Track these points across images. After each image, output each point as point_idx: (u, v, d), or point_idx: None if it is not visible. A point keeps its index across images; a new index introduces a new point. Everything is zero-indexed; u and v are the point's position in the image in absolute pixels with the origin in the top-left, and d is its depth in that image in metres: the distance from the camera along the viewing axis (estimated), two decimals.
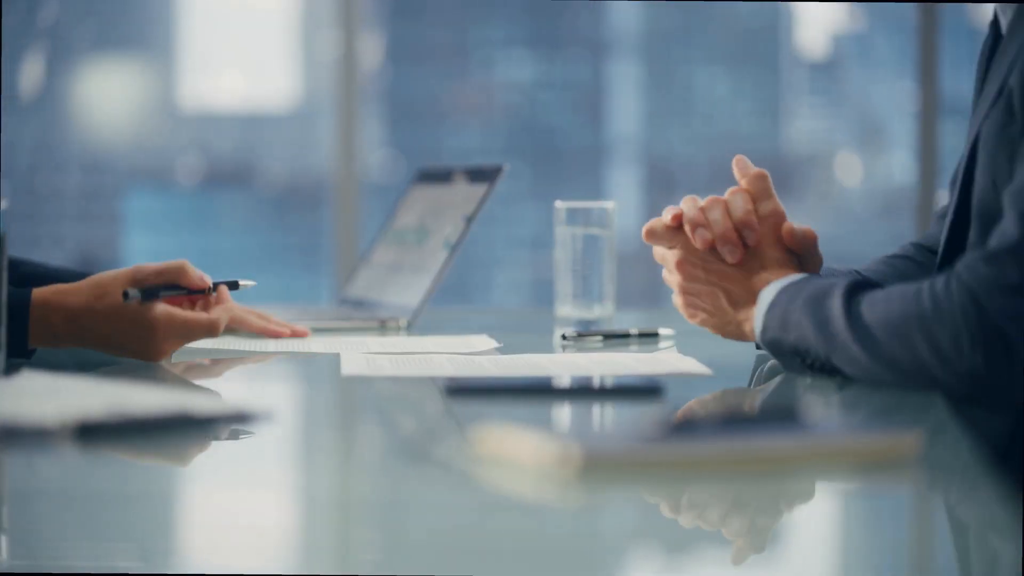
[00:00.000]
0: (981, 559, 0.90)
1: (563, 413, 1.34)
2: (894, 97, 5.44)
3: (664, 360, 1.62)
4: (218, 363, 1.67)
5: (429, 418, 1.35)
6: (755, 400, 1.45)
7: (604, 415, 1.32)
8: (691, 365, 1.57)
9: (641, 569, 0.87)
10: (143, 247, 5.49)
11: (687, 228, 1.61)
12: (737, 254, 1.58)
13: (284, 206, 5.53)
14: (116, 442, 1.12)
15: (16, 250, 1.95)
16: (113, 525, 0.92)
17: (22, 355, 1.56)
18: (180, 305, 1.63)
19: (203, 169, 5.52)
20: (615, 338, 1.88)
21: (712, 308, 1.59)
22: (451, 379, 1.43)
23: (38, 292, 1.57)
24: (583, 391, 1.40)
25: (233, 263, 5.52)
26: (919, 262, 1.72)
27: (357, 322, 2.02)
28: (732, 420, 1.10)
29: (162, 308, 1.58)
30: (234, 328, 1.84)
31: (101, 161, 5.38)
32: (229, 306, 1.67)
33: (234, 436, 1.18)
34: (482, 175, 2.12)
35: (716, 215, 1.60)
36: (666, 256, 1.63)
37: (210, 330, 1.62)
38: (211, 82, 5.48)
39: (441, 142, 5.57)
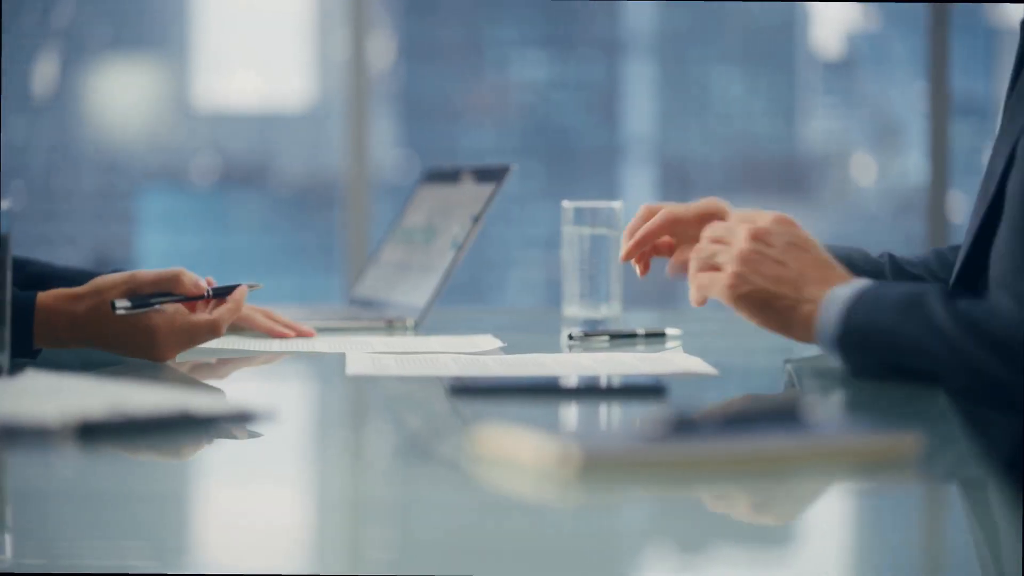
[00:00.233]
0: (981, 559, 0.90)
1: (566, 413, 1.34)
2: (909, 97, 5.42)
3: (670, 360, 1.62)
4: (223, 363, 1.68)
5: (432, 418, 1.35)
6: (756, 400, 1.44)
7: (607, 415, 1.32)
8: (697, 365, 1.57)
9: (642, 569, 0.87)
10: (158, 247, 5.50)
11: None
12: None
13: (298, 206, 5.54)
14: (118, 442, 1.12)
15: (31, 250, 1.96)
16: (118, 524, 0.92)
17: (28, 355, 1.57)
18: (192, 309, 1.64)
19: (218, 169, 5.53)
20: (621, 338, 1.88)
21: (774, 277, 1.47)
22: (455, 379, 1.43)
23: (42, 297, 1.57)
24: (586, 391, 1.40)
25: (247, 263, 5.53)
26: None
27: (364, 322, 2.02)
28: (732, 420, 1.10)
29: (161, 315, 1.59)
30: (240, 327, 1.85)
31: (116, 161, 5.39)
32: (233, 307, 1.67)
33: (236, 436, 1.19)
34: (489, 175, 2.12)
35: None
36: (739, 228, 1.50)
37: (212, 330, 1.62)
38: (226, 82, 5.49)
39: (455, 142, 5.57)
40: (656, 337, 1.88)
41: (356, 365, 1.57)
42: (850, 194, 5.66)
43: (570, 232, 2.08)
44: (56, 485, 1.02)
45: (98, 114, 5.32)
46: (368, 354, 1.67)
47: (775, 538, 0.93)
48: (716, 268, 1.50)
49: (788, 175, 5.67)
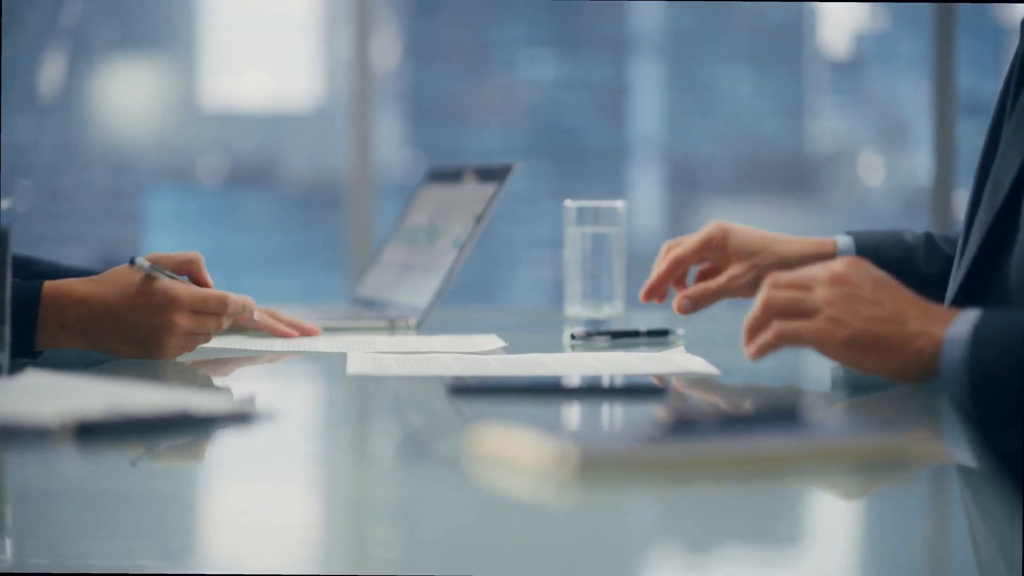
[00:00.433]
0: (981, 559, 0.89)
1: (565, 413, 1.33)
2: (917, 97, 5.41)
3: (671, 360, 1.62)
4: (224, 362, 1.67)
5: (431, 417, 1.35)
6: (755, 400, 1.44)
7: (606, 415, 1.32)
8: (698, 365, 1.56)
9: (642, 569, 0.87)
10: (165, 246, 5.49)
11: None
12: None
13: (306, 206, 5.54)
14: (116, 441, 1.12)
15: (39, 250, 1.96)
16: (122, 524, 0.92)
17: (28, 355, 1.57)
18: None
19: (225, 169, 5.53)
20: (623, 337, 1.88)
21: (872, 318, 1.36)
22: (455, 378, 1.42)
23: (50, 282, 1.58)
24: (586, 391, 1.40)
25: (254, 262, 5.53)
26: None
27: (367, 321, 2.02)
28: (731, 420, 1.10)
29: (174, 282, 1.60)
30: (243, 327, 1.84)
31: (123, 160, 5.39)
32: (244, 300, 1.68)
33: (237, 435, 1.18)
34: (492, 174, 2.11)
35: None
36: (815, 273, 1.40)
37: (221, 304, 1.63)
38: (233, 82, 5.49)
39: (463, 141, 5.57)
40: (658, 336, 1.88)
41: (357, 365, 1.57)
42: (858, 194, 5.65)
43: (573, 232, 2.08)
44: (59, 485, 1.02)
45: (105, 114, 5.32)
46: (369, 354, 1.67)
47: (774, 538, 0.93)
48: (796, 316, 1.38)
49: (796, 175, 5.66)
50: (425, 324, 2.03)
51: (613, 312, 2.07)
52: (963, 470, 1.11)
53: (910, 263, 1.80)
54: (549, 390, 1.39)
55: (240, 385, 1.57)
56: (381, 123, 5.28)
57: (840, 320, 1.36)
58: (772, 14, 5.56)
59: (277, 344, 1.79)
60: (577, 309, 2.07)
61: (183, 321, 1.60)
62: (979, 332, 1.31)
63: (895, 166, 5.67)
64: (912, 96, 5.48)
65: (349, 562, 0.86)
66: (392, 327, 2.01)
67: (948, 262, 1.77)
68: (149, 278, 1.59)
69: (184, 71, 5.51)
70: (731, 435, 1.04)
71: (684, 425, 1.05)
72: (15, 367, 1.37)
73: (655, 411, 1.30)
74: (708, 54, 5.64)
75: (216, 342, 1.73)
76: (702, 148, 5.65)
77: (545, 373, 1.53)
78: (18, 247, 1.88)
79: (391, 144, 5.42)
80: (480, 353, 1.68)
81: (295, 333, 1.85)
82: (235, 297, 1.65)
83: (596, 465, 1.00)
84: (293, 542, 0.90)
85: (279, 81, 5.54)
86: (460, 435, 1.18)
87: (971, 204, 1.54)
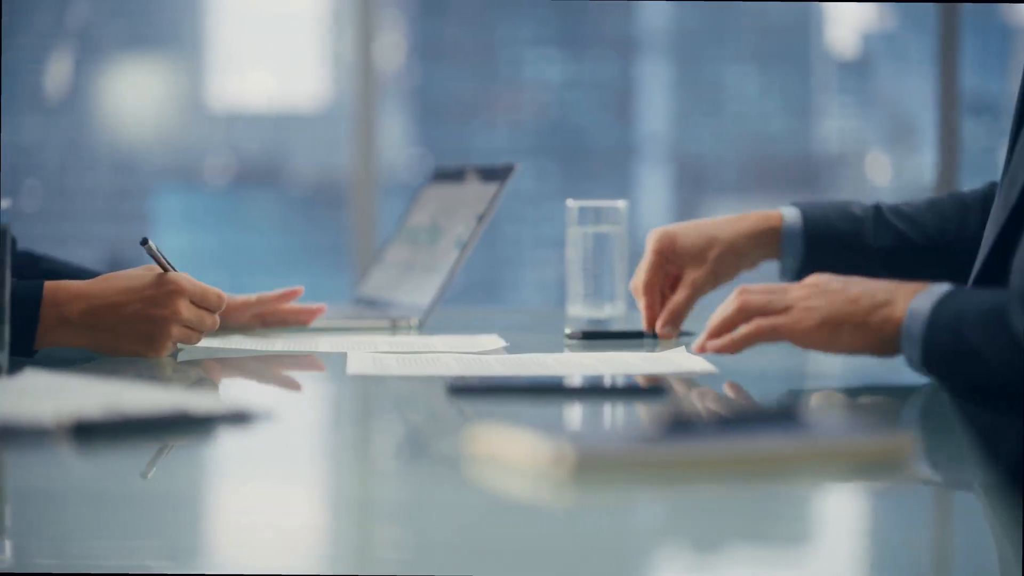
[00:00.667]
0: (981, 560, 0.89)
1: (564, 413, 1.33)
2: (924, 96, 5.41)
3: (670, 359, 1.62)
4: (223, 362, 1.68)
5: (430, 417, 1.34)
6: (752, 400, 1.44)
7: (605, 415, 1.32)
8: (697, 364, 1.56)
9: (641, 569, 0.87)
10: (172, 246, 5.50)
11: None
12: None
13: (312, 205, 5.54)
14: (115, 441, 1.12)
15: (46, 248, 1.97)
16: (125, 524, 0.92)
17: (25, 354, 1.57)
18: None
19: (232, 168, 5.53)
20: (620, 337, 1.88)
21: (842, 299, 1.43)
22: (455, 378, 1.42)
23: (51, 281, 1.59)
24: (585, 391, 1.40)
25: (261, 262, 5.54)
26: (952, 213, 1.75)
27: (369, 321, 2.02)
28: (728, 420, 1.10)
29: (176, 273, 1.63)
30: (246, 326, 1.85)
31: (130, 160, 5.40)
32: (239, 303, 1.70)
33: (236, 435, 1.18)
34: (494, 174, 2.11)
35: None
36: (785, 284, 1.49)
37: (218, 300, 1.64)
38: (240, 82, 5.50)
39: (470, 141, 5.57)
40: (655, 337, 1.88)
41: (357, 365, 1.57)
42: (865, 193, 5.64)
43: (574, 231, 2.08)
44: (60, 484, 1.02)
45: (112, 114, 5.33)
46: (369, 354, 1.67)
47: (772, 538, 0.92)
48: (770, 315, 1.45)
49: (803, 174, 5.65)
50: (427, 324, 2.03)
51: (615, 312, 2.06)
52: (962, 470, 1.11)
53: (858, 236, 1.80)
54: (549, 390, 1.39)
55: (240, 385, 1.58)
56: (388, 123, 5.29)
57: (811, 307, 1.42)
58: (779, 14, 5.56)
59: (277, 344, 1.79)
60: (579, 309, 2.06)
61: (186, 311, 1.61)
62: (937, 310, 1.36)
63: (902, 166, 5.66)
64: (919, 96, 5.47)
65: (354, 562, 0.86)
66: (394, 327, 2.01)
67: (898, 236, 1.78)
68: (152, 271, 1.60)
69: (191, 71, 5.52)
70: (728, 435, 1.04)
71: (681, 425, 1.04)
72: (14, 366, 1.37)
73: (653, 411, 1.30)
74: (715, 54, 5.64)
75: (216, 342, 1.73)
76: (709, 148, 5.64)
77: (545, 373, 1.53)
78: (26, 245, 1.89)
79: (398, 144, 5.42)
80: (480, 353, 1.68)
81: (310, 318, 1.89)
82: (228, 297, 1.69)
83: (592, 465, 1.00)
84: (296, 542, 0.90)
85: (286, 81, 5.55)
86: (459, 435, 1.18)
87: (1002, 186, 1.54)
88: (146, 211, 5.51)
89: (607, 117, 5.61)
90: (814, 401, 1.41)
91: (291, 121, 5.59)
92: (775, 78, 5.65)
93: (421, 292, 2.07)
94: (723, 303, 1.50)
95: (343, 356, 1.66)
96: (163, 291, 1.60)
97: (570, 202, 2.10)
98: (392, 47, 5.43)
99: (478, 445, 1.06)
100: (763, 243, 1.85)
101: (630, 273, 1.94)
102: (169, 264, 1.62)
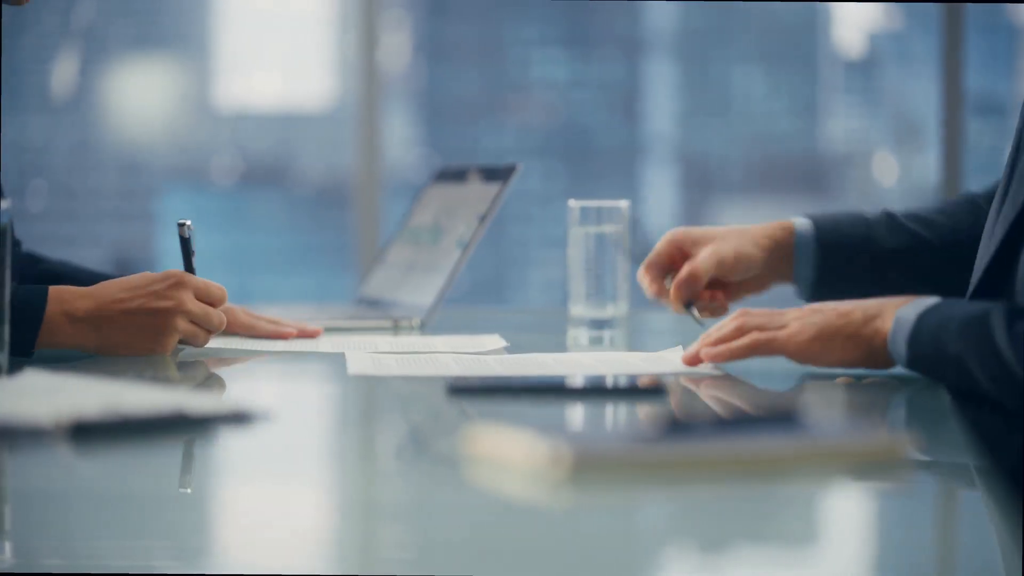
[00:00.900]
0: (981, 559, 0.89)
1: (563, 413, 1.33)
2: (931, 97, 5.40)
3: (671, 360, 1.61)
4: (224, 362, 1.68)
5: (431, 417, 1.34)
6: (751, 400, 1.44)
7: (604, 415, 1.32)
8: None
9: (641, 569, 0.87)
10: (178, 246, 5.50)
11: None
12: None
13: (319, 205, 5.54)
14: (113, 441, 1.12)
15: (52, 249, 1.97)
16: (126, 524, 0.93)
17: (24, 354, 1.57)
18: None
19: (238, 168, 5.54)
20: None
21: (835, 313, 1.49)
22: (454, 378, 1.42)
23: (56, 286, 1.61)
24: (585, 391, 1.40)
25: (267, 262, 5.54)
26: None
27: (371, 321, 2.02)
28: (726, 420, 1.09)
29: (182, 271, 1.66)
30: (240, 334, 1.85)
31: (137, 160, 5.41)
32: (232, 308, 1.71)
33: (236, 436, 1.18)
34: (496, 174, 2.11)
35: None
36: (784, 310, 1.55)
37: (221, 294, 1.66)
38: (247, 82, 5.50)
39: (476, 141, 5.57)
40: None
41: (357, 365, 1.57)
42: (872, 193, 5.63)
43: (576, 231, 2.07)
44: (60, 484, 1.02)
45: (119, 114, 5.34)
46: (369, 354, 1.67)
47: (770, 538, 0.92)
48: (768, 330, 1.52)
49: (809, 174, 5.65)
50: (429, 324, 2.03)
51: (617, 312, 2.06)
52: (964, 470, 1.11)
53: (871, 240, 1.80)
54: (548, 390, 1.39)
55: (240, 385, 1.58)
56: (394, 123, 5.29)
57: (807, 323, 1.48)
58: (786, 14, 5.55)
59: (277, 344, 1.79)
60: (581, 309, 2.06)
61: (190, 303, 1.62)
62: (923, 317, 1.40)
63: (909, 166, 5.65)
64: (926, 96, 5.46)
65: (355, 563, 0.86)
66: (396, 327, 2.01)
67: (912, 236, 1.78)
68: (154, 273, 1.62)
69: (197, 71, 5.53)
70: (726, 435, 1.03)
71: (679, 426, 1.04)
72: (13, 366, 1.37)
73: (652, 411, 1.30)
74: (721, 54, 5.64)
75: (216, 342, 1.73)
76: (716, 148, 5.64)
77: (545, 373, 1.53)
78: (31, 246, 1.89)
79: (404, 144, 5.43)
80: (480, 353, 1.68)
81: (294, 333, 1.85)
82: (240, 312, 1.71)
83: (590, 465, 1.00)
84: (296, 542, 0.90)
85: (292, 81, 5.55)
86: (458, 436, 1.18)
87: (999, 199, 1.53)
88: (152, 211, 5.52)
89: (613, 117, 5.61)
90: (814, 401, 1.41)
91: (297, 121, 5.59)
92: (781, 78, 5.65)
93: (423, 292, 2.07)
94: (721, 322, 1.55)
95: (343, 356, 1.66)
96: (166, 284, 1.62)
97: (572, 202, 2.09)
98: (398, 47, 5.43)
99: (476, 445, 1.06)
100: (777, 241, 1.82)
101: (633, 273, 1.94)
102: (192, 255, 1.65)
